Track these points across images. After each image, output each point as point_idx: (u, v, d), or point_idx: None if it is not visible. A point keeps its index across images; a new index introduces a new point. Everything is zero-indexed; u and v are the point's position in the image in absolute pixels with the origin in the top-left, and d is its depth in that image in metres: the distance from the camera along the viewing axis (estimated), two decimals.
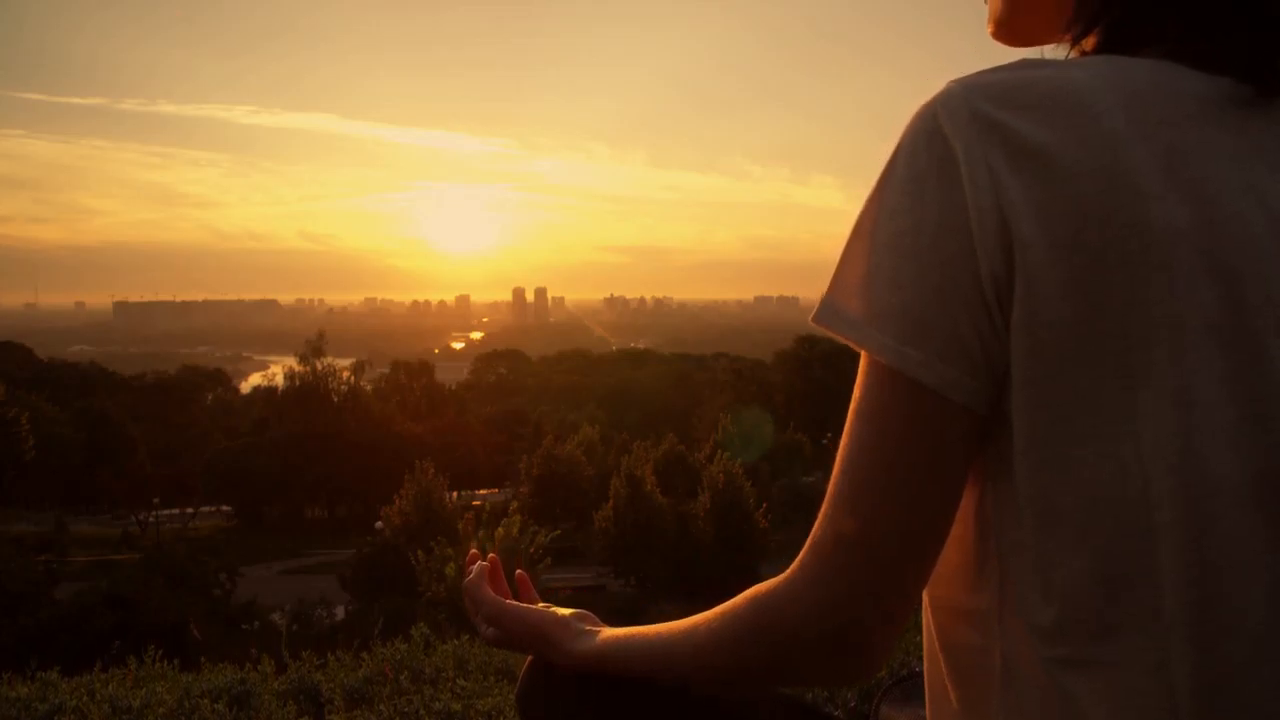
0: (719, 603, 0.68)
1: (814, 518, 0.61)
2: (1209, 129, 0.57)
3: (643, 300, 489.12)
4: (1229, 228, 0.55)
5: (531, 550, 20.87)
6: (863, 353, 0.61)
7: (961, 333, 0.57)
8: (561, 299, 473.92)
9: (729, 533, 27.91)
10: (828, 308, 0.62)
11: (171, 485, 44.26)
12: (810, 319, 0.63)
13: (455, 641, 3.07)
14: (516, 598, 0.96)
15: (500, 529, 20.79)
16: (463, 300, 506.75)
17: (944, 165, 0.58)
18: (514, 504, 24.19)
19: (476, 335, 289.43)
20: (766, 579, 0.62)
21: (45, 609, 18.74)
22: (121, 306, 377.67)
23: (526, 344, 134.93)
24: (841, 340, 0.62)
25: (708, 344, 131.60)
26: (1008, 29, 0.73)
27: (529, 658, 0.89)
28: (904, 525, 0.60)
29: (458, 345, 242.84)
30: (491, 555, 0.95)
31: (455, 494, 38.60)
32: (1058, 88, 0.58)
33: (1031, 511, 0.58)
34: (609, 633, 0.82)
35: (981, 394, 0.58)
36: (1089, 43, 0.66)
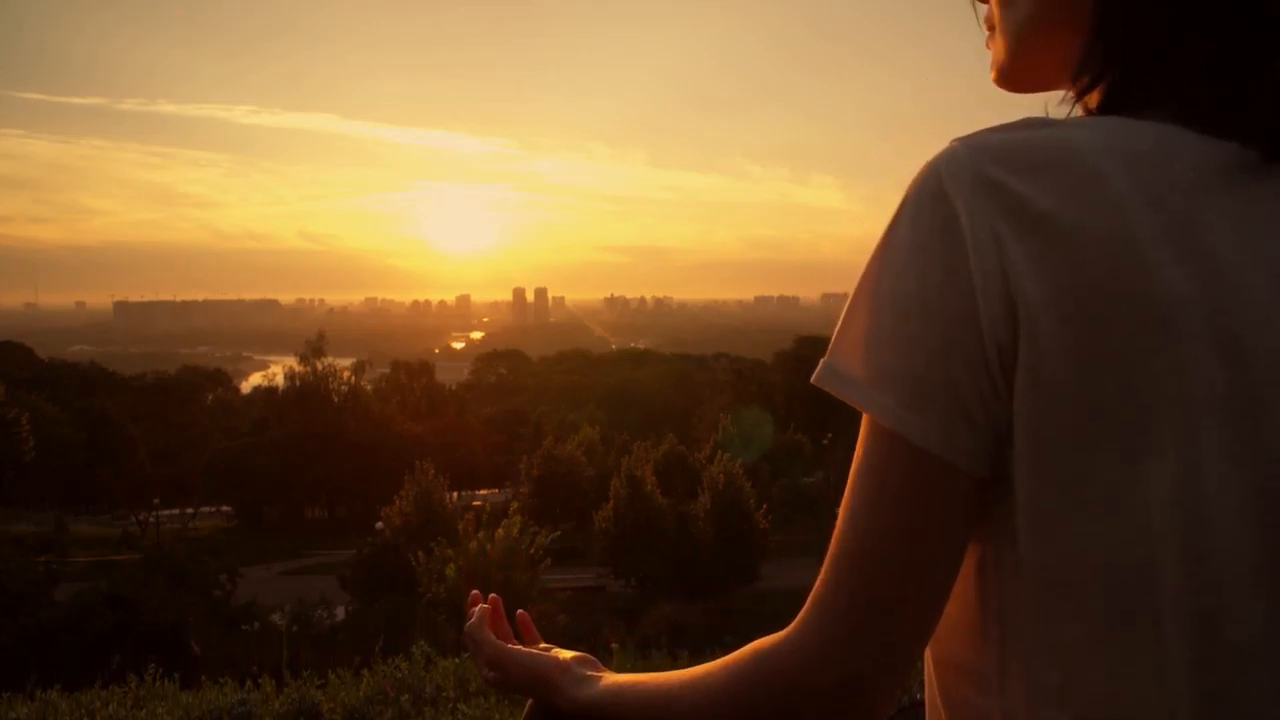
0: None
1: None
2: (1215, 196, 0.57)
3: (643, 300, 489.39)
4: (1235, 297, 0.55)
5: (531, 551, 20.88)
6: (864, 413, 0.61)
7: (963, 396, 0.57)
8: (562, 299, 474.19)
9: (729, 533, 27.92)
10: (828, 369, 0.62)
11: (171, 485, 44.28)
12: (812, 379, 0.63)
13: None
14: (519, 637, 0.96)
15: (500, 530, 20.79)
16: (463, 300, 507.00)
17: (947, 227, 0.57)
18: (514, 504, 24.19)
19: (477, 335, 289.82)
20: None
21: (45, 609, 18.75)
22: (122, 306, 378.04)
23: (526, 344, 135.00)
24: (843, 400, 0.61)
25: (708, 344, 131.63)
26: (1010, 77, 0.73)
27: (530, 701, 0.89)
28: (904, 582, 0.60)
29: (458, 345, 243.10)
30: (493, 596, 0.95)
31: (455, 494, 38.63)
32: (1062, 150, 0.57)
33: (1034, 576, 0.58)
34: (611, 679, 0.82)
35: (983, 457, 0.58)
36: (1092, 99, 0.65)
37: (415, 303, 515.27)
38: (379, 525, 30.35)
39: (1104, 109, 0.64)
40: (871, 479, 0.60)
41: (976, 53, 0.77)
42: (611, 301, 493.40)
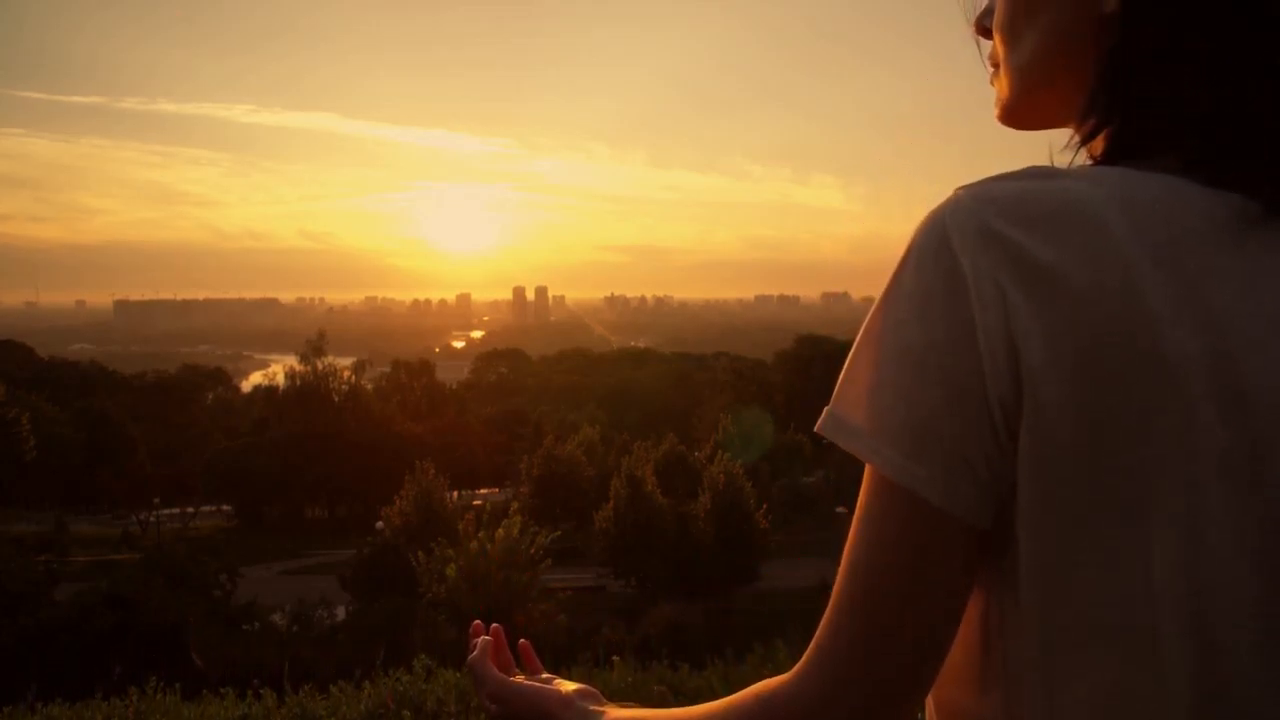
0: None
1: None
2: (1221, 251, 0.56)
3: (643, 299, 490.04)
4: (1242, 355, 0.55)
5: (532, 551, 20.89)
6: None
7: (967, 450, 0.57)
8: (562, 298, 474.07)
9: (729, 533, 27.91)
10: (832, 419, 0.62)
11: (171, 485, 44.31)
12: (815, 428, 0.63)
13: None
14: (520, 666, 0.96)
15: (500, 530, 20.79)
16: (463, 299, 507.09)
17: (951, 281, 0.57)
18: (514, 504, 24.18)
19: (477, 334, 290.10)
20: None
21: (45, 609, 18.72)
22: (122, 305, 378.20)
23: (527, 343, 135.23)
24: (846, 450, 0.62)
25: (708, 343, 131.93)
26: (1015, 116, 0.72)
27: None
28: (904, 632, 0.60)
29: (458, 344, 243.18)
30: (495, 627, 0.95)
31: (455, 494, 38.63)
32: (1068, 203, 0.57)
33: (1036, 630, 0.58)
34: (614, 713, 0.81)
35: (985, 509, 0.59)
36: (1096, 145, 0.65)
37: (415, 302, 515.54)
38: (379, 525, 30.30)
39: (1109, 154, 0.64)
40: (873, 528, 0.61)
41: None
42: (612, 300, 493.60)
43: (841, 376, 0.63)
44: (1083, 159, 0.67)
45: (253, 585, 26.61)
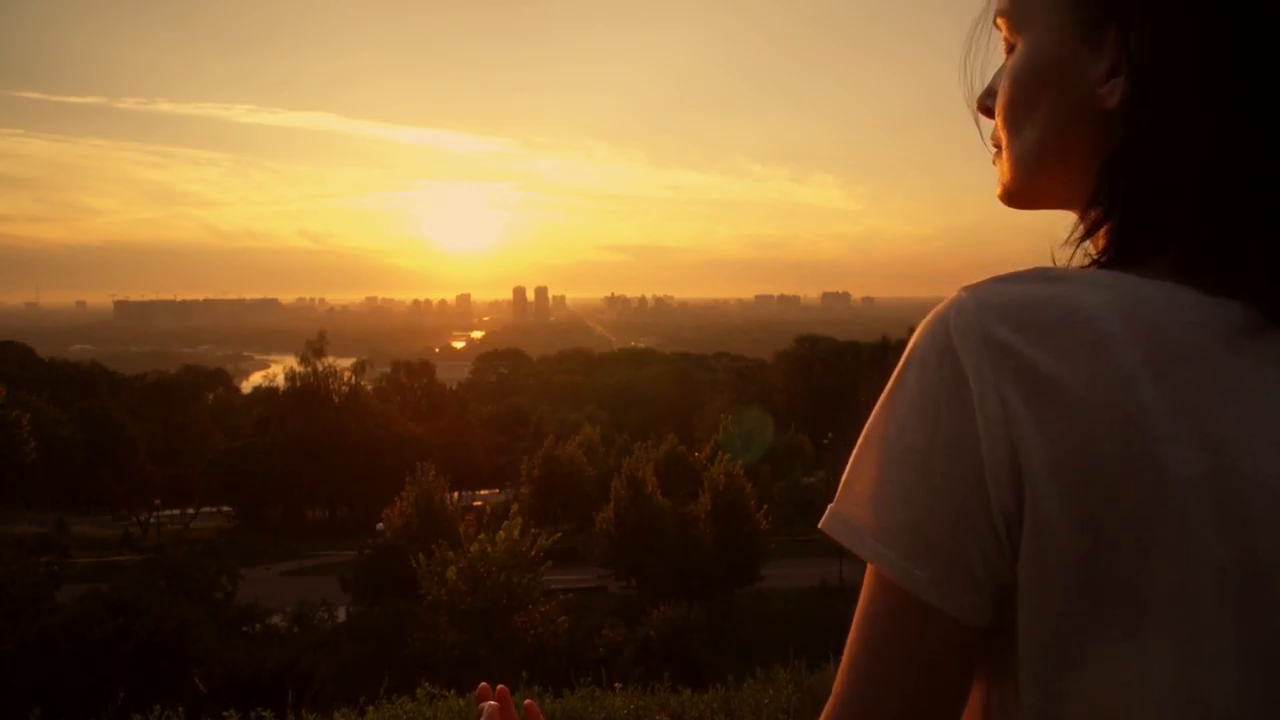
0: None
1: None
2: (1220, 362, 0.57)
3: (643, 299, 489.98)
4: (1244, 473, 0.55)
5: (532, 553, 20.89)
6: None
7: (968, 556, 0.58)
8: (562, 298, 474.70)
9: (730, 534, 27.86)
10: (835, 517, 0.63)
11: (172, 486, 44.30)
12: (819, 525, 0.64)
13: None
14: None
15: (501, 531, 20.80)
16: (463, 299, 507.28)
17: (955, 387, 0.58)
18: (514, 506, 24.17)
19: (477, 334, 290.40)
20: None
21: (47, 615, 18.71)
22: (122, 306, 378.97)
23: (527, 343, 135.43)
24: (848, 550, 0.62)
25: (708, 343, 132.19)
26: (1016, 199, 0.73)
27: None
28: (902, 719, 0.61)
29: (458, 344, 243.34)
30: (501, 688, 0.95)
31: (456, 494, 38.63)
32: (1069, 312, 0.57)
33: None
34: None
35: (984, 611, 0.59)
36: (1097, 241, 0.66)
37: (416, 302, 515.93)
38: (380, 526, 30.30)
39: (1109, 251, 0.64)
40: (873, 625, 0.62)
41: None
42: (612, 300, 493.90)
43: (845, 474, 0.63)
44: (1082, 240, 0.67)
45: (254, 587, 26.64)
